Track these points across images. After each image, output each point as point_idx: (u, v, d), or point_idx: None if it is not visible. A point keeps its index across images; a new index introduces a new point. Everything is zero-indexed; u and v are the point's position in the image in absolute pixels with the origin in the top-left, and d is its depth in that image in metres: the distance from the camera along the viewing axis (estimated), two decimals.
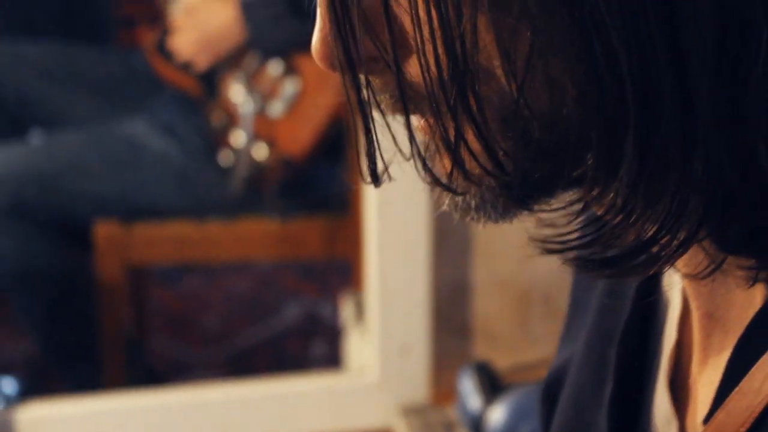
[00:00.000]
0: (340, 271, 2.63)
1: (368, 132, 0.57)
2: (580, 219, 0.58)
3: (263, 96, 2.24)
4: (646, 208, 0.54)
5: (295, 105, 2.24)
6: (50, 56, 2.48)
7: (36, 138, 2.40)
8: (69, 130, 2.34)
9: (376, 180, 0.59)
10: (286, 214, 2.28)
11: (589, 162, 0.54)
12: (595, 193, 0.55)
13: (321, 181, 2.33)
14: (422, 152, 0.58)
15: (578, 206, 0.58)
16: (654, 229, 0.54)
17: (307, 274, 2.92)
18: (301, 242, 2.30)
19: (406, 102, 0.56)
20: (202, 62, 2.28)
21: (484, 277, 1.73)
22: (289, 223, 2.28)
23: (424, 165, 0.58)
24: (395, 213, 1.74)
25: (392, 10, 0.55)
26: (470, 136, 0.55)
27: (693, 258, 0.58)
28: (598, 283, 0.73)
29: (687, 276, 0.61)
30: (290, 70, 2.24)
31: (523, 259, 1.73)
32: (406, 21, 0.55)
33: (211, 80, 2.31)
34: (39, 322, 2.32)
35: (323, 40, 0.58)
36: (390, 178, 0.59)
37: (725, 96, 0.52)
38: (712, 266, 0.57)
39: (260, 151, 2.23)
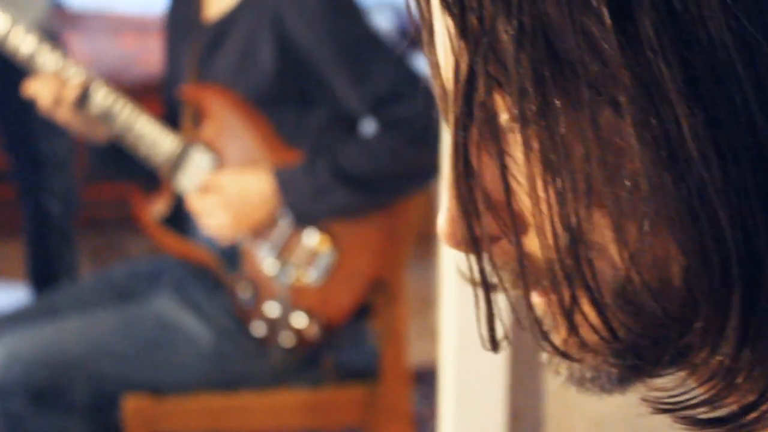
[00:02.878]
0: None
1: (489, 305, 0.60)
2: (690, 381, 0.60)
3: (296, 265, 2.15)
4: (751, 369, 0.56)
5: (331, 273, 2.16)
6: None
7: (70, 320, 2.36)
8: (101, 312, 2.27)
9: (496, 347, 0.61)
10: (318, 383, 2.24)
11: (697, 328, 0.56)
12: (703, 356, 0.57)
13: (351, 348, 2.28)
14: (540, 323, 0.60)
15: (688, 370, 0.60)
16: (761, 389, 0.56)
17: None
18: (333, 411, 2.27)
19: (525, 275, 0.58)
20: (228, 237, 2.16)
21: None
22: (320, 391, 2.25)
23: (542, 333, 0.60)
24: (472, 392, 1.74)
25: (512, 188, 0.58)
26: (585, 305, 0.57)
27: None
28: None
29: None
30: (324, 237, 2.15)
31: None
32: (525, 199, 0.57)
33: (229, 252, 2.21)
34: None
35: (450, 219, 0.60)
36: (510, 344, 0.62)
37: None
38: None
39: (299, 320, 2.17)
